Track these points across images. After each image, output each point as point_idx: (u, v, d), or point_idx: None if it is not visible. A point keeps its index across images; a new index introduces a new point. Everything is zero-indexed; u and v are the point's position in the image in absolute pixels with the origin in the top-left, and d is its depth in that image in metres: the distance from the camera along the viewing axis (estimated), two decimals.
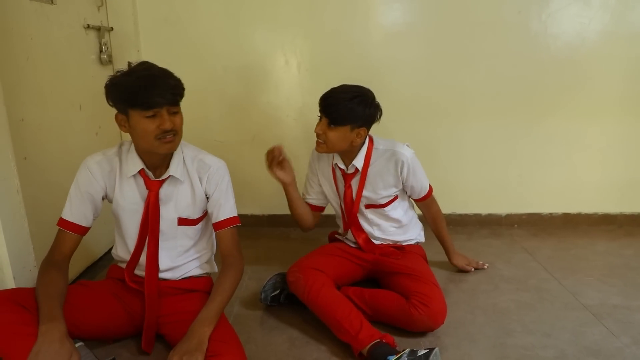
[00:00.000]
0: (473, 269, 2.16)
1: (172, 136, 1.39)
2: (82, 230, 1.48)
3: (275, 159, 1.76)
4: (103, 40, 2.33)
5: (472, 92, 2.59)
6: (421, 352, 1.42)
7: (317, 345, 1.63)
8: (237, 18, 2.50)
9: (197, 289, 1.61)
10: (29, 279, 1.58)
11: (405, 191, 1.92)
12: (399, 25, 2.52)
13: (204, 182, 1.54)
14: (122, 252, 1.58)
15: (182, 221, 1.55)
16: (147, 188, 1.49)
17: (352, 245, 1.97)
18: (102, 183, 1.48)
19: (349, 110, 1.64)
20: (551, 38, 2.51)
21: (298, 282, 1.71)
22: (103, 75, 2.34)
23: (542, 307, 1.88)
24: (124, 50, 2.45)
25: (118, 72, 1.38)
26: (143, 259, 1.54)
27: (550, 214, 2.81)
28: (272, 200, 2.79)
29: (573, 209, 2.80)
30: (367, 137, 1.81)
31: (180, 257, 1.59)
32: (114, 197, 1.50)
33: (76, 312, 1.38)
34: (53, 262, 1.41)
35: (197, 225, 1.59)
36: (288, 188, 1.84)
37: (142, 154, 1.46)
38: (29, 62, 1.79)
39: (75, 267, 2.11)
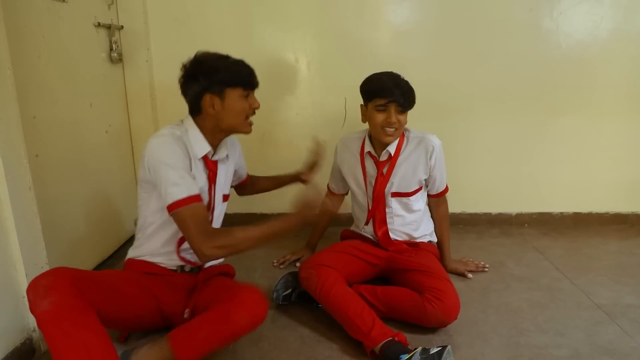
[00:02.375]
0: (471, 276, 2.10)
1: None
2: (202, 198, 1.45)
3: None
4: (113, 39, 2.34)
5: (482, 90, 2.57)
6: (434, 351, 1.41)
7: (328, 343, 1.62)
8: (247, 17, 2.50)
9: (225, 272, 1.71)
10: None
11: (426, 184, 1.95)
12: (408, 24, 2.51)
13: (237, 155, 1.75)
14: (169, 246, 1.55)
15: (225, 197, 1.67)
16: (208, 168, 1.55)
17: (370, 237, 1.97)
18: (188, 160, 1.46)
19: (412, 92, 1.76)
20: (562, 36, 2.49)
21: (310, 279, 1.71)
22: (113, 74, 2.39)
23: (554, 306, 1.86)
24: (134, 49, 2.46)
25: (192, 59, 1.52)
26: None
27: (561, 213, 2.78)
28: (281, 199, 2.76)
29: (584, 208, 2.78)
30: None
31: None
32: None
33: (115, 297, 1.37)
34: (213, 231, 1.39)
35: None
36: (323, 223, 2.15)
37: (206, 136, 1.51)
38: (41, 60, 1.80)
39: (87, 264, 2.12)
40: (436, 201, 2.01)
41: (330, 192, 2.15)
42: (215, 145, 1.55)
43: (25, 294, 1.51)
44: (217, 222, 1.66)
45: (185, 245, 1.55)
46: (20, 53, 1.66)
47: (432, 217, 2.05)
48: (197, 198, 1.39)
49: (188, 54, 1.53)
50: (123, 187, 2.45)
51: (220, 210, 1.65)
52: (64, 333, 1.15)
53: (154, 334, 1.59)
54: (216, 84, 1.45)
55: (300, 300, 1.83)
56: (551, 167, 2.70)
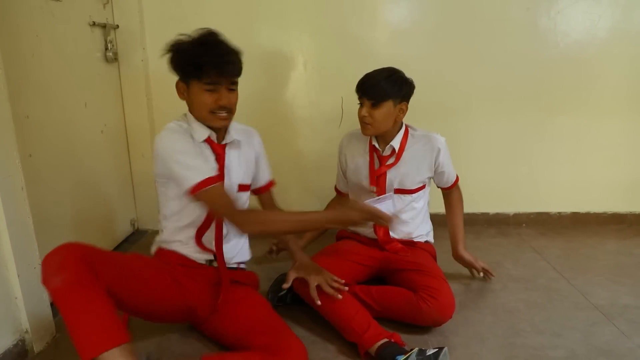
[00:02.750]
0: (481, 273, 2.04)
1: (226, 114, 1.45)
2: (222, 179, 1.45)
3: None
4: (109, 38, 2.33)
5: (479, 89, 2.56)
6: (430, 352, 1.40)
7: (323, 344, 1.61)
8: (244, 16, 2.49)
9: (248, 283, 1.66)
10: (33, 277, 1.57)
11: (433, 179, 1.96)
12: (405, 23, 2.50)
13: (256, 145, 1.65)
14: (187, 221, 1.53)
15: (241, 187, 1.59)
16: (215, 152, 1.51)
17: (366, 236, 1.95)
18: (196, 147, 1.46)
19: (388, 87, 1.71)
20: (560, 35, 2.48)
21: (303, 283, 1.69)
22: (108, 73, 2.37)
23: (551, 306, 1.85)
24: (129, 48, 2.45)
25: (182, 35, 1.41)
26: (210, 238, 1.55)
27: (559, 213, 2.77)
28: (278, 198, 2.77)
29: (582, 208, 2.77)
30: (404, 124, 1.87)
31: None
32: None
33: (136, 286, 1.36)
34: (237, 211, 1.38)
35: (249, 192, 1.66)
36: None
37: (202, 122, 1.49)
38: (35, 59, 1.79)
39: None
40: (449, 192, 2.02)
41: (338, 192, 2.13)
42: (217, 129, 1.51)
43: (17, 295, 1.52)
44: None
45: (207, 236, 1.55)
46: (13, 52, 1.65)
47: (445, 205, 2.06)
48: (216, 179, 1.37)
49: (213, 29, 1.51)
50: (119, 187, 2.44)
51: (237, 200, 1.57)
52: (76, 307, 1.17)
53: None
54: (181, 71, 1.42)
55: (295, 302, 1.81)
56: (549, 167, 2.69)
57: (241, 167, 1.59)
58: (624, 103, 2.58)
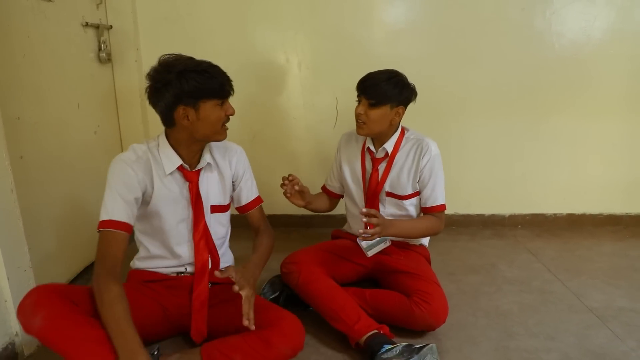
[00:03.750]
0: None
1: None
2: (132, 230, 1.41)
3: (292, 191, 1.72)
4: (102, 39, 2.31)
5: (474, 90, 2.55)
6: (417, 346, 1.44)
7: (316, 346, 1.61)
8: (238, 16, 2.48)
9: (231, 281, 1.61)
10: (23, 280, 1.56)
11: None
12: (401, 23, 2.49)
13: (234, 165, 1.63)
14: (161, 250, 1.54)
15: (214, 208, 1.58)
16: (188, 180, 1.50)
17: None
18: (143, 182, 1.43)
19: (388, 89, 1.69)
20: (555, 36, 2.47)
21: (291, 274, 1.71)
22: (102, 74, 2.36)
23: (545, 309, 1.84)
24: (123, 49, 2.44)
25: (164, 65, 1.38)
26: (185, 252, 1.54)
27: (555, 214, 2.77)
28: (272, 200, 2.76)
29: (578, 210, 2.76)
30: (400, 126, 1.84)
31: (220, 247, 1.62)
32: (154, 195, 1.46)
33: None
34: (108, 272, 1.30)
35: (228, 212, 1.65)
36: (307, 207, 1.86)
37: (179, 147, 1.47)
38: (26, 60, 1.77)
39: (73, 267, 2.10)
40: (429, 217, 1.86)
41: (326, 191, 2.06)
42: (190, 157, 1.50)
43: (6, 299, 1.51)
44: (216, 235, 1.60)
45: (180, 249, 1.54)
46: (3, 53, 1.64)
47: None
48: (117, 224, 1.36)
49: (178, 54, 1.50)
50: None
51: (212, 222, 1.58)
52: (68, 339, 1.18)
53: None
54: (189, 96, 1.37)
55: (287, 304, 1.80)
56: (545, 168, 2.68)
57: (217, 188, 1.59)
58: (619, 104, 2.57)
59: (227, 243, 1.69)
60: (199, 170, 1.53)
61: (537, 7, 2.44)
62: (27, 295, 1.25)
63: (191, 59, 1.42)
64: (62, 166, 2.00)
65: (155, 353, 1.36)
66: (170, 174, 1.48)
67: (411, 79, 1.79)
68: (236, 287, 1.32)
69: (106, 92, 2.42)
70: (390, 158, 1.83)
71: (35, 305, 1.21)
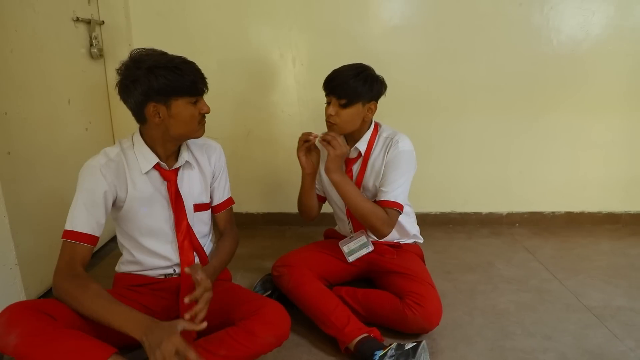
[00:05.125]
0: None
1: (204, 120, 1.44)
2: (95, 241, 1.37)
3: (305, 144, 1.67)
4: (94, 34, 2.28)
5: (472, 86, 2.52)
6: (408, 346, 1.40)
7: (308, 347, 1.58)
8: (231, 11, 2.45)
9: (219, 279, 1.58)
10: (9, 277, 1.53)
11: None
12: (397, 19, 2.46)
13: (213, 162, 1.58)
14: (145, 253, 1.49)
15: (198, 207, 1.54)
16: (165, 179, 1.45)
17: None
18: (113, 186, 1.38)
19: (357, 85, 1.60)
20: (553, 31, 2.44)
21: (282, 278, 1.69)
22: (93, 70, 2.33)
23: (543, 308, 1.81)
24: (115, 44, 2.41)
25: (133, 60, 1.33)
26: (170, 253, 1.50)
27: (553, 212, 2.74)
28: (267, 198, 2.74)
29: (576, 208, 2.73)
30: (374, 122, 1.76)
31: (204, 246, 1.58)
32: (129, 198, 1.41)
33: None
34: (74, 276, 1.29)
35: (209, 210, 1.61)
36: (306, 177, 1.77)
37: (155, 147, 1.42)
38: (13, 55, 1.74)
39: None
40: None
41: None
42: (167, 155, 1.45)
43: None
44: (200, 234, 1.56)
45: (164, 250, 1.50)
46: None
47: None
48: (80, 236, 1.33)
49: (171, 50, 1.45)
50: None
51: (195, 221, 1.54)
52: (46, 353, 1.13)
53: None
54: (159, 93, 1.31)
55: (280, 303, 1.77)
56: (543, 166, 2.65)
57: (197, 187, 1.54)
58: (618, 100, 2.54)
59: (210, 241, 1.64)
60: (177, 169, 1.48)
61: (534, 2, 2.40)
62: (0, 315, 1.19)
63: (164, 54, 1.36)
64: (51, 163, 1.97)
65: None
66: (147, 173, 1.43)
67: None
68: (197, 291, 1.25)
69: (98, 88, 2.39)
70: (364, 158, 1.75)
71: (8, 324, 1.15)
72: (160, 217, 1.47)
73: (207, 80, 1.40)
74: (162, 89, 1.30)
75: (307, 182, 1.78)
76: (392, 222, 1.67)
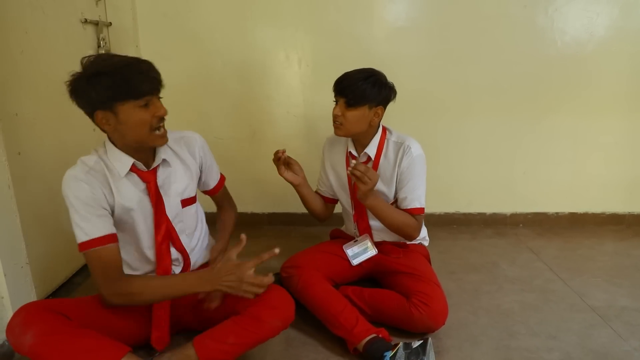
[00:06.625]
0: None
1: (163, 127, 1.35)
2: (116, 238, 1.35)
3: (281, 161, 1.73)
4: (101, 35, 2.30)
5: (476, 88, 2.53)
6: (416, 344, 1.42)
7: (314, 345, 1.59)
8: (237, 13, 2.47)
9: None
10: (20, 276, 1.55)
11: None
12: (402, 20, 2.47)
13: (197, 154, 1.54)
14: (135, 257, 1.47)
15: (185, 202, 1.50)
16: (144, 181, 1.40)
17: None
18: (100, 193, 1.33)
19: (365, 89, 1.63)
20: (558, 33, 2.45)
21: (291, 279, 1.70)
22: None
23: (547, 308, 1.83)
24: (122, 46, 2.43)
25: (76, 72, 1.28)
26: (154, 256, 1.48)
27: (557, 213, 2.75)
28: (272, 198, 2.76)
29: (580, 208, 2.74)
30: (381, 127, 1.79)
31: (193, 238, 1.56)
32: (116, 204, 1.37)
33: (112, 320, 1.38)
34: (117, 279, 1.30)
35: (197, 202, 1.59)
36: (298, 188, 1.83)
37: (127, 150, 1.36)
38: (24, 56, 1.76)
39: (71, 264, 2.09)
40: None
41: (318, 194, 2.01)
42: (142, 156, 1.39)
43: (3, 295, 1.50)
44: (190, 229, 1.54)
45: (150, 253, 1.48)
46: (1, 49, 1.63)
47: None
48: (100, 241, 1.30)
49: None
50: None
51: (184, 217, 1.51)
52: (62, 352, 1.16)
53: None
54: (103, 99, 1.24)
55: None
56: (546, 167, 2.66)
57: (182, 182, 1.49)
58: (622, 102, 2.55)
59: (202, 231, 1.61)
60: (156, 169, 1.43)
61: (539, 4, 2.41)
62: (16, 314, 1.22)
63: (109, 58, 1.29)
64: (60, 163, 1.96)
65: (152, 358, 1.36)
66: (127, 177, 1.37)
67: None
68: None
69: None
70: (374, 162, 1.77)
71: (25, 323, 1.18)
72: (148, 218, 1.43)
73: (160, 80, 1.32)
74: (102, 96, 1.24)
75: (302, 192, 1.85)
76: (420, 226, 1.79)
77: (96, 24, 2.27)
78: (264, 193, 2.74)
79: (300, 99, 2.58)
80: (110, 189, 1.36)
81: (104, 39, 2.32)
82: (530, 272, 2.15)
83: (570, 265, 2.22)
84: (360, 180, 1.56)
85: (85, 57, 1.29)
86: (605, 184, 2.69)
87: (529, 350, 1.56)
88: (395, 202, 1.81)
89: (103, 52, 2.30)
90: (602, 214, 2.74)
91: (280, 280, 1.79)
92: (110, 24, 2.38)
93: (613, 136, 2.61)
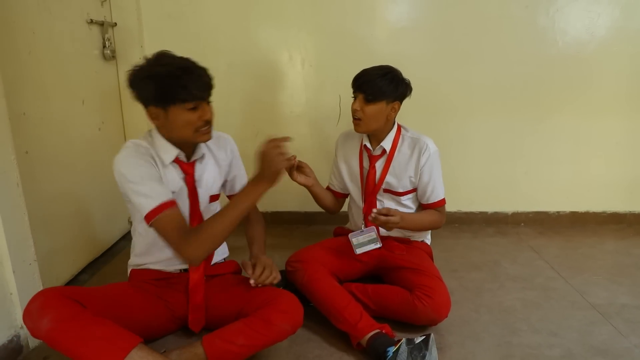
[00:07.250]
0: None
1: (209, 127, 1.44)
2: (176, 202, 1.41)
3: (293, 167, 1.78)
4: (106, 36, 2.33)
5: (478, 88, 2.55)
6: (419, 340, 1.44)
7: (318, 342, 1.61)
8: (241, 14, 2.49)
9: (227, 272, 1.66)
10: (28, 273, 1.57)
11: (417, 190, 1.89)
12: (404, 21, 2.49)
13: (229, 152, 1.64)
14: (164, 247, 1.49)
15: (212, 198, 1.60)
16: (184, 172, 1.50)
17: None
18: (156, 169, 1.43)
19: (383, 85, 1.70)
20: (559, 33, 2.47)
21: (296, 272, 1.73)
22: (106, 71, 2.38)
23: (548, 305, 1.84)
24: (127, 46, 2.45)
25: (139, 65, 1.37)
26: None
27: (558, 212, 2.76)
28: (275, 197, 2.76)
29: (581, 208, 2.76)
30: (396, 123, 1.85)
31: None
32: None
33: (125, 310, 1.40)
34: (188, 231, 1.36)
35: (218, 200, 1.66)
36: (311, 189, 1.88)
37: (173, 141, 1.46)
38: (31, 56, 1.79)
39: (77, 261, 2.11)
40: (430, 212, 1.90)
41: (329, 190, 2.07)
42: (186, 147, 1.49)
43: (12, 291, 1.52)
44: None
45: None
46: (9, 49, 1.66)
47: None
48: (169, 204, 1.37)
49: (182, 52, 1.49)
50: (116, 185, 2.42)
51: (209, 212, 1.58)
52: (77, 339, 1.19)
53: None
54: (155, 99, 1.35)
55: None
56: (548, 166, 2.68)
57: (212, 178, 1.59)
58: (623, 102, 2.56)
59: None
60: (194, 162, 1.53)
61: (540, 4, 2.43)
62: (33, 299, 1.25)
63: (171, 59, 1.37)
64: (66, 162, 2.02)
65: (164, 351, 1.38)
66: (169, 165, 1.47)
67: (413, 76, 1.80)
68: (252, 281, 1.43)
69: (110, 89, 2.44)
70: (389, 156, 1.84)
71: (43, 308, 1.21)
72: (184, 210, 1.50)
73: (212, 85, 1.40)
74: (155, 95, 1.34)
75: (315, 191, 1.91)
76: (444, 214, 1.92)
77: (101, 24, 2.29)
78: (267, 193, 2.75)
79: (303, 99, 2.60)
80: (159, 171, 1.44)
81: (109, 40, 2.34)
82: (531, 270, 2.17)
83: (571, 263, 2.24)
84: (384, 227, 1.66)
85: (158, 51, 1.40)
86: (606, 183, 2.70)
87: (530, 346, 1.58)
88: (408, 193, 1.88)
89: (108, 52, 2.32)
90: (603, 213, 2.76)
91: (285, 274, 1.82)
92: (116, 24, 2.41)
93: (614, 136, 2.62)
